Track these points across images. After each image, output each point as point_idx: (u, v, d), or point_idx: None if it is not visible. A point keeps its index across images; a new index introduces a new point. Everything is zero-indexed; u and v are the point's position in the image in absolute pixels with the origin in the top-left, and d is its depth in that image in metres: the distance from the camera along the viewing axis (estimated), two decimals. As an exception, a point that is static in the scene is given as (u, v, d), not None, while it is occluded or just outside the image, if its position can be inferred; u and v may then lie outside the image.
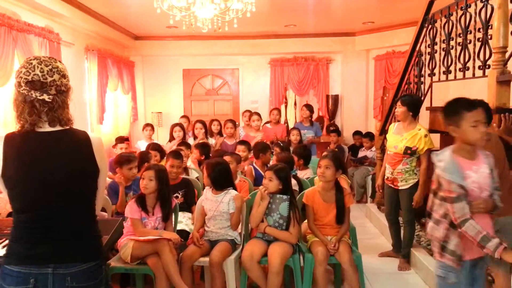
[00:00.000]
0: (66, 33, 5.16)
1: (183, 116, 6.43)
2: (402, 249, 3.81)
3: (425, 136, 3.46)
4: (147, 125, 6.11)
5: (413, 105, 3.54)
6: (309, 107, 6.11)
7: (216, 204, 3.10)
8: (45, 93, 1.56)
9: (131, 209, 2.94)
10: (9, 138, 1.57)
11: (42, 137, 1.57)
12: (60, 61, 1.66)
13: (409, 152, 3.48)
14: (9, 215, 3.33)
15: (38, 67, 1.56)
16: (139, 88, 7.89)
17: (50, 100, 1.56)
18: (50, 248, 1.55)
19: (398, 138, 3.60)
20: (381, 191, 4.09)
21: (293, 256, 3.00)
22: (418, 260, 3.65)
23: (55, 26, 4.87)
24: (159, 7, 3.79)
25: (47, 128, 1.58)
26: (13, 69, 3.99)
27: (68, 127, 1.62)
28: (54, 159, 1.56)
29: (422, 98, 4.27)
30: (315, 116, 7.84)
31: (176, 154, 3.77)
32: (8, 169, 1.54)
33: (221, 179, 3.13)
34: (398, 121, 3.72)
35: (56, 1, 4.61)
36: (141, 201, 2.96)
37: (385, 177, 3.76)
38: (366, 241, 4.35)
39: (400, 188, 3.64)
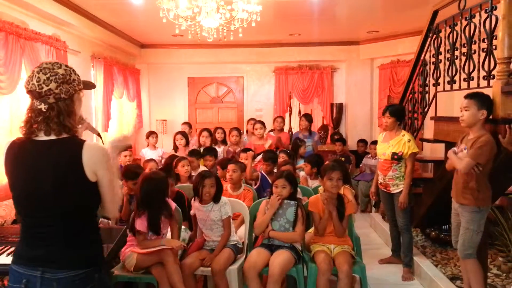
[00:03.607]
0: (72, 41, 5.21)
1: (184, 123, 6.43)
2: (403, 257, 3.82)
3: (409, 141, 3.67)
4: (151, 132, 6.13)
5: (400, 115, 3.80)
6: (307, 117, 6.09)
7: (207, 214, 3.10)
8: (43, 102, 1.56)
9: (140, 223, 2.84)
10: (11, 145, 1.63)
11: (35, 146, 1.58)
12: (66, 66, 1.63)
13: (396, 157, 3.67)
14: (14, 221, 3.35)
15: (36, 76, 1.56)
16: (144, 95, 7.94)
17: (45, 110, 1.56)
18: (41, 252, 1.58)
19: (385, 145, 3.79)
20: (374, 197, 4.18)
21: (296, 266, 2.98)
22: (423, 270, 3.62)
23: (62, 34, 4.93)
24: (165, 16, 3.82)
25: (42, 137, 1.58)
26: (20, 77, 4.04)
27: (66, 136, 1.59)
28: (42, 169, 1.55)
29: (427, 108, 4.27)
30: (319, 124, 7.87)
31: (167, 171, 3.74)
32: (8, 174, 1.62)
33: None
34: (385, 130, 3.92)
35: (63, 10, 4.67)
36: (152, 221, 2.85)
37: (379, 182, 3.90)
38: (371, 252, 4.32)
39: (392, 192, 3.78)
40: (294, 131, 7.23)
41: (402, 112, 3.85)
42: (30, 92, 1.57)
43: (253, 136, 5.71)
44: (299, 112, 7.80)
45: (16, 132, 4.10)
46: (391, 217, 3.95)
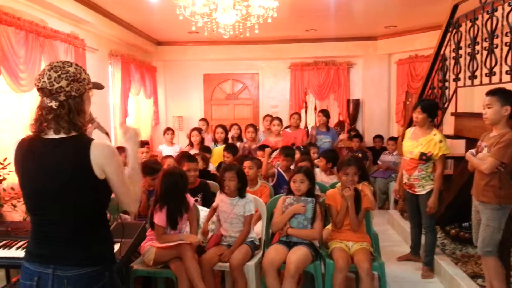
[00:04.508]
0: (90, 39, 5.27)
1: (202, 119, 6.48)
2: (424, 256, 3.75)
3: (440, 141, 3.43)
4: (168, 129, 6.18)
5: (432, 111, 3.54)
6: (325, 113, 6.04)
7: (232, 207, 3.11)
8: (53, 100, 1.56)
9: (159, 218, 2.88)
10: (21, 143, 1.64)
11: (44, 144, 1.58)
12: (76, 65, 1.64)
13: (424, 158, 3.45)
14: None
15: (47, 73, 1.56)
16: (160, 92, 8.01)
17: (56, 107, 1.56)
18: (51, 250, 1.60)
19: (414, 143, 3.57)
20: (398, 196, 4.04)
21: (314, 262, 2.97)
22: (442, 269, 3.57)
23: (80, 32, 4.99)
24: (182, 13, 3.84)
25: (51, 135, 1.59)
26: (41, 75, 4.11)
27: (75, 134, 1.60)
28: (50, 167, 1.56)
29: (447, 104, 4.19)
30: (335, 120, 7.81)
31: (191, 158, 3.78)
32: (18, 172, 1.64)
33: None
34: (415, 125, 3.71)
35: (82, 8, 4.73)
36: (170, 216, 2.90)
37: (404, 182, 3.75)
38: (389, 249, 4.28)
39: (418, 193, 3.62)
40: (309, 127, 7.18)
41: (435, 108, 3.59)
42: (40, 89, 1.57)
43: (269, 132, 5.70)
44: (315, 108, 7.74)
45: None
46: (413, 218, 3.80)
